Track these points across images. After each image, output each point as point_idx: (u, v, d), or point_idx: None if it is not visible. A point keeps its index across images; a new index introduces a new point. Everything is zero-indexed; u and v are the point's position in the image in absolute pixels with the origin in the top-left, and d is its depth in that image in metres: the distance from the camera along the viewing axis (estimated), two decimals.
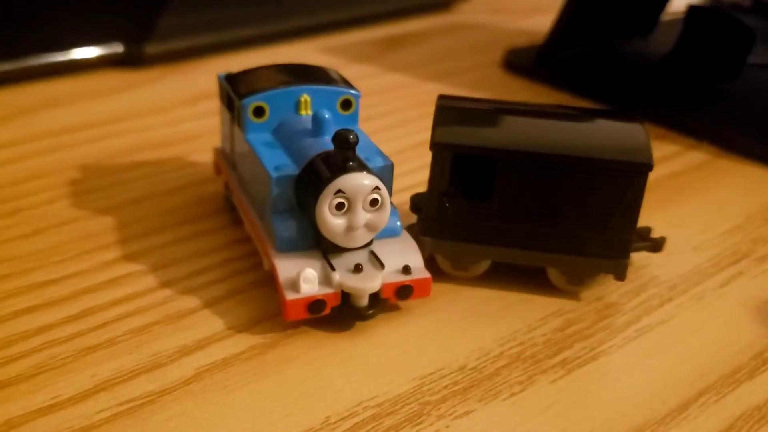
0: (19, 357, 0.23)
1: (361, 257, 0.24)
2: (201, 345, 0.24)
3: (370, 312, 0.24)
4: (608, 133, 0.26)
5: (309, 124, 0.26)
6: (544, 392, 0.23)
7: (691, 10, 0.44)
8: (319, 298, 0.23)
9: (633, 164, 0.25)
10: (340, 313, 0.24)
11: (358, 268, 0.24)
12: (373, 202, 0.23)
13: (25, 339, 0.23)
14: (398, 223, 0.25)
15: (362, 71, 0.46)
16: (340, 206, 0.23)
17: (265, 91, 0.26)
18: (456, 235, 0.26)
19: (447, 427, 0.22)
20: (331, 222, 0.23)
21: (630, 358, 0.24)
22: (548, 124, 0.26)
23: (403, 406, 0.22)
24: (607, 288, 0.28)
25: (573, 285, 0.27)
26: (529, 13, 0.57)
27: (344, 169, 0.23)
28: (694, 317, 0.27)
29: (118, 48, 0.44)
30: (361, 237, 0.24)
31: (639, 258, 0.29)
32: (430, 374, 0.23)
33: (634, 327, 0.26)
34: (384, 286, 0.24)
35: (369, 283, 0.24)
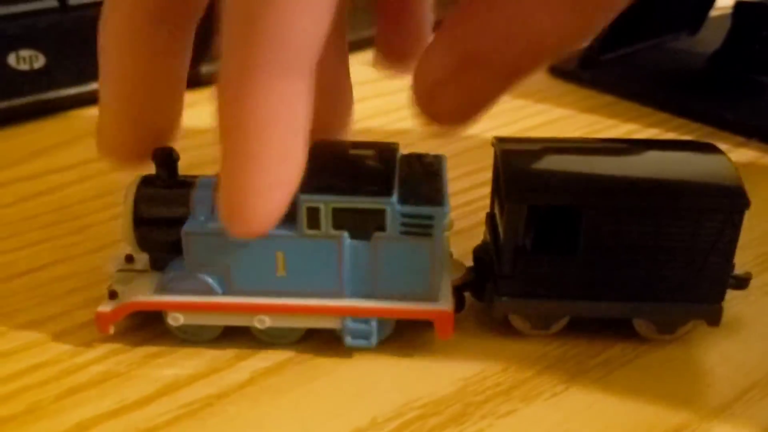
0: (87, 365, 0.24)
1: None
2: (255, 351, 0.25)
3: None
4: (696, 169, 0.24)
5: None
6: (587, 391, 0.23)
7: (738, 5, 0.44)
8: None
9: (730, 202, 0.23)
10: None
11: None
12: None
13: (93, 348, 0.25)
14: None
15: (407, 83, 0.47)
16: None
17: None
18: (537, 293, 0.24)
19: (490, 426, 0.22)
20: None
21: (673, 357, 0.25)
22: (626, 162, 0.25)
23: (447, 407, 0.23)
24: None
25: (662, 334, 0.25)
26: None
27: None
28: (739, 316, 0.27)
29: None
30: None
31: None
32: (474, 375, 0.24)
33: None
34: None
35: None
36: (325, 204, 0.23)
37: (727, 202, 0.23)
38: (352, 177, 0.24)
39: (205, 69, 0.46)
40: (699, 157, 0.25)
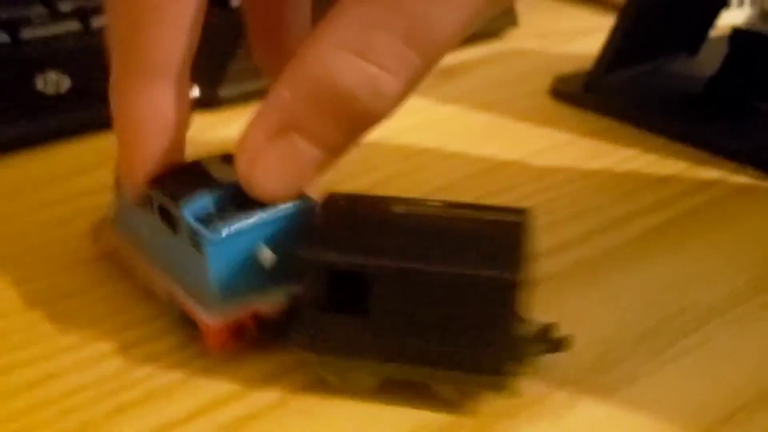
0: (131, 385, 0.26)
1: None
2: (286, 371, 0.27)
3: None
4: (480, 242, 0.24)
5: None
6: (590, 412, 0.26)
7: (735, 33, 0.45)
8: None
9: (498, 279, 0.23)
10: None
11: None
12: None
13: (136, 368, 0.27)
14: None
15: (418, 104, 0.48)
16: None
17: None
18: (339, 351, 0.25)
19: None
20: None
21: (666, 381, 0.27)
22: (429, 229, 0.25)
23: (459, 428, 0.25)
24: (645, 312, 0.30)
25: (465, 396, 0.25)
26: (577, 35, 0.59)
27: None
28: (731, 340, 0.29)
29: (195, 92, 0.48)
30: None
31: (678, 281, 0.31)
32: (482, 396, 0.26)
33: (671, 350, 0.28)
34: None
35: None
36: (152, 197, 0.27)
37: (497, 278, 0.23)
38: (191, 184, 0.26)
39: (223, 91, 0.48)
40: (499, 226, 0.25)
